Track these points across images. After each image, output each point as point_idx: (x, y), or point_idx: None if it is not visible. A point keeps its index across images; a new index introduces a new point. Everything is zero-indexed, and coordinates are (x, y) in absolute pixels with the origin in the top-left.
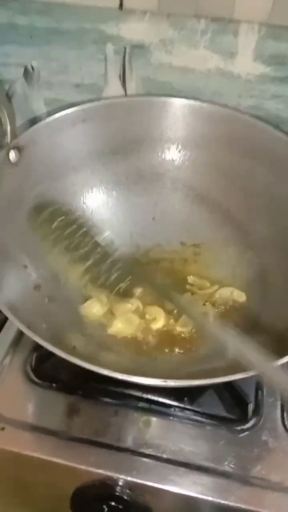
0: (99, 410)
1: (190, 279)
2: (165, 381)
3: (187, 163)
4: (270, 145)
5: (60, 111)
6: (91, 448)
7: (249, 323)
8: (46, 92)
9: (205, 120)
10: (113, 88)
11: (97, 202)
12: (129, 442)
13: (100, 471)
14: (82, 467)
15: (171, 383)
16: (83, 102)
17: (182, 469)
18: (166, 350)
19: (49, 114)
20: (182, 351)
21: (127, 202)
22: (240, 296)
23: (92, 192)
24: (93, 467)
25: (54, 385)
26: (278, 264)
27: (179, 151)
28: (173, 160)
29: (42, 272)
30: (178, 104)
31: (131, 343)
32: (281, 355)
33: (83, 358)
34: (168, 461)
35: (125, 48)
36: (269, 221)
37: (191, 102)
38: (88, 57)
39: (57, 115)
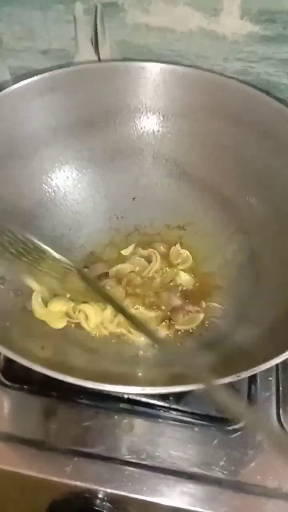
0: (76, 414)
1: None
2: (144, 389)
3: (169, 135)
4: (261, 113)
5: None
6: (68, 458)
7: (240, 311)
8: (11, 60)
9: (188, 86)
10: (85, 53)
11: (70, 182)
12: (109, 449)
13: (78, 483)
14: (58, 479)
15: (149, 390)
16: (52, 69)
17: (169, 477)
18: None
19: (15, 83)
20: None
21: (104, 181)
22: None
23: (64, 170)
24: (70, 479)
25: (26, 387)
26: (272, 247)
27: (161, 122)
28: (154, 132)
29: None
30: (157, 70)
31: (108, 339)
32: (277, 348)
33: (50, 363)
34: (153, 469)
35: (96, 7)
36: (262, 198)
37: (172, 66)
38: (55, 19)
39: (21, 84)
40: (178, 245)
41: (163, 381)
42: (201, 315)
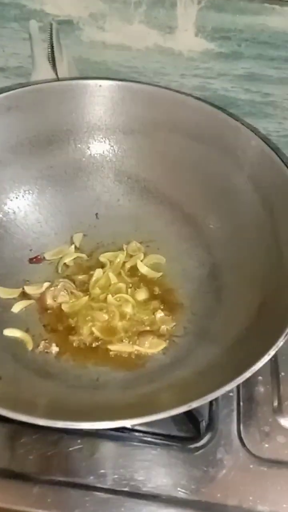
0: (39, 440)
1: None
2: (93, 425)
3: (130, 152)
4: (218, 130)
5: None
6: (31, 485)
7: (200, 330)
8: None
9: (146, 103)
10: (42, 70)
11: (30, 202)
12: (73, 475)
13: (41, 510)
14: (21, 508)
15: (105, 425)
16: (10, 87)
17: (133, 500)
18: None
19: None
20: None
21: (66, 199)
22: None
23: (24, 190)
24: (33, 507)
25: None
26: (232, 265)
27: (121, 139)
28: (114, 149)
29: None
30: (115, 87)
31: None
32: (235, 370)
33: (6, 398)
34: (117, 492)
35: (51, 25)
36: (222, 214)
37: (130, 84)
38: (10, 37)
39: None
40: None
41: (121, 409)
42: (163, 344)
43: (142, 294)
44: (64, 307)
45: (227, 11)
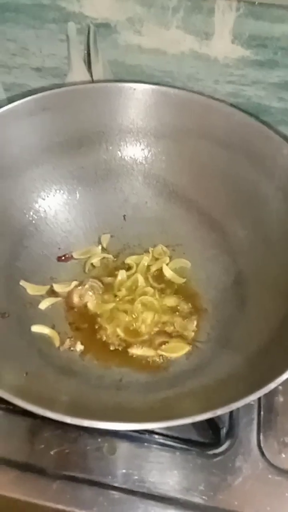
0: (59, 435)
1: None
2: (124, 424)
3: (160, 156)
4: (250, 138)
5: (21, 97)
6: (50, 480)
7: (223, 337)
8: (5, 76)
9: (179, 108)
10: (78, 72)
11: (60, 201)
12: (91, 472)
13: (59, 506)
14: (40, 501)
15: (127, 427)
16: (46, 87)
17: (149, 502)
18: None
19: (10, 100)
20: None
21: (95, 199)
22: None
23: (55, 189)
24: (52, 501)
25: (10, 407)
26: (258, 273)
27: (151, 143)
28: (144, 152)
29: None
30: (149, 91)
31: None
32: (258, 380)
33: (30, 392)
34: (134, 493)
35: (89, 27)
36: (250, 222)
37: (163, 88)
38: (48, 38)
39: (12, 105)
40: (160, 245)
41: (143, 412)
42: (187, 347)
43: (171, 300)
44: (90, 306)
45: (265, 19)
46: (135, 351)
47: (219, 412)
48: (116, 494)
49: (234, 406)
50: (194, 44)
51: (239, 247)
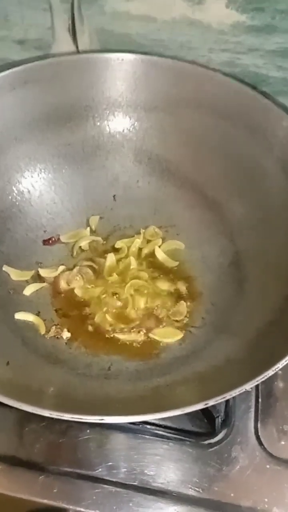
0: (47, 427)
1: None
2: (102, 419)
3: (152, 130)
4: (248, 109)
5: (2, 71)
6: (37, 474)
7: (219, 322)
8: None
9: (171, 79)
10: (62, 43)
11: (46, 181)
12: (80, 465)
13: (46, 501)
14: (26, 496)
15: (109, 420)
16: (30, 60)
17: (142, 495)
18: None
19: None
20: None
21: (83, 179)
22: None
23: (39, 168)
24: (39, 496)
25: None
26: (257, 253)
27: (142, 116)
28: (135, 127)
29: None
30: (138, 61)
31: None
32: (256, 366)
33: (14, 385)
34: (125, 486)
35: None
36: (248, 199)
37: (154, 58)
38: (30, 7)
39: None
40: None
41: (133, 402)
42: (180, 334)
43: (164, 284)
44: (78, 292)
45: None
46: (125, 336)
47: (210, 403)
48: (107, 487)
49: (227, 395)
50: (187, 10)
51: (237, 226)
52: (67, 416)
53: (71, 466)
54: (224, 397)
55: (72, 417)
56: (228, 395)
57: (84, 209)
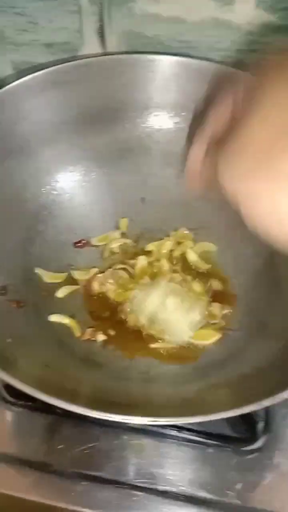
0: (81, 433)
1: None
2: (151, 420)
3: (180, 132)
4: None
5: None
6: (73, 482)
7: (256, 323)
8: (13, 55)
9: (201, 80)
10: (91, 45)
11: (75, 183)
12: (117, 472)
13: (83, 509)
14: (62, 504)
15: (156, 421)
16: (57, 63)
17: (180, 503)
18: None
19: (18, 78)
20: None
21: (111, 182)
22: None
23: (69, 170)
24: (75, 504)
25: (30, 404)
26: None
27: (171, 119)
28: (164, 129)
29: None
30: (168, 62)
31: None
32: None
33: (51, 384)
34: (163, 494)
35: None
36: None
37: (182, 59)
38: (59, 10)
39: (23, 79)
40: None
41: (175, 405)
42: (218, 335)
43: (197, 286)
44: (111, 294)
45: None
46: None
47: (265, 403)
48: (143, 496)
49: (282, 396)
50: (215, 11)
51: None
52: (116, 418)
53: (106, 473)
54: (279, 397)
55: (123, 419)
56: (286, 394)
57: (113, 212)
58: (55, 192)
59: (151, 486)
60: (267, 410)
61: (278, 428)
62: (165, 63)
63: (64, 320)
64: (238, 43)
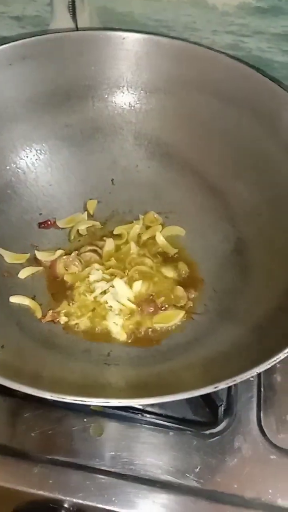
0: (42, 416)
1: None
2: (108, 401)
3: (152, 112)
4: (253, 92)
5: None
6: (32, 464)
7: (222, 308)
8: None
9: (174, 60)
10: (61, 21)
11: (42, 162)
12: (77, 455)
13: (41, 492)
14: (21, 487)
15: (114, 402)
16: (25, 37)
17: (142, 486)
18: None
19: None
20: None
21: (80, 161)
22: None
23: (36, 149)
24: (34, 487)
25: None
26: (261, 238)
27: (143, 98)
28: (135, 109)
29: None
30: (140, 40)
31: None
32: (263, 351)
33: (6, 364)
34: (124, 477)
35: None
36: (252, 183)
37: (157, 38)
38: None
39: None
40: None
41: (136, 387)
42: (181, 313)
43: (169, 271)
44: (66, 278)
45: None
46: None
47: (221, 385)
48: (104, 478)
49: (238, 378)
50: None
51: (240, 211)
52: (69, 399)
53: (66, 456)
54: (234, 380)
55: (74, 400)
56: (239, 378)
57: (81, 193)
58: (19, 171)
59: (111, 469)
60: (228, 394)
61: (240, 412)
62: (138, 41)
63: (25, 301)
64: (213, 24)
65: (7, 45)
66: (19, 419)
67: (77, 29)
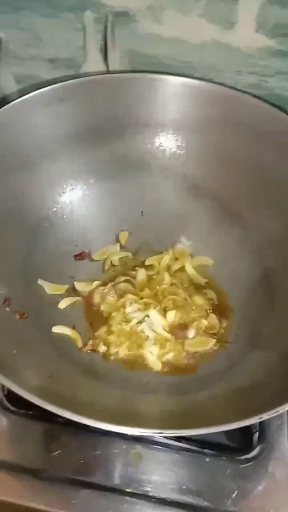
0: (80, 442)
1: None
2: (162, 432)
3: (180, 149)
4: (275, 128)
5: (33, 89)
6: (72, 489)
7: (252, 336)
8: (17, 68)
9: (199, 100)
10: (93, 63)
11: (76, 196)
12: (116, 480)
13: None
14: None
15: (169, 433)
16: (59, 79)
17: (178, 510)
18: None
19: (21, 92)
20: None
21: (112, 195)
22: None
23: (71, 184)
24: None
25: (30, 412)
26: (286, 267)
27: (170, 136)
28: (163, 146)
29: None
30: (168, 82)
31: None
32: None
33: (54, 396)
34: (161, 501)
35: (106, 16)
36: (276, 214)
37: (183, 79)
38: (63, 27)
39: (29, 95)
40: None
41: (174, 416)
42: (213, 340)
43: (199, 299)
44: (103, 308)
45: None
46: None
47: (265, 416)
48: (140, 503)
49: (281, 409)
50: (216, 33)
51: (267, 241)
52: (129, 430)
53: (104, 481)
54: (277, 411)
55: (116, 428)
56: (281, 409)
57: (113, 225)
58: (57, 205)
59: (149, 494)
60: (261, 421)
61: (272, 438)
62: (166, 82)
63: (66, 331)
64: (237, 65)
65: (46, 88)
66: (55, 444)
67: (108, 70)
